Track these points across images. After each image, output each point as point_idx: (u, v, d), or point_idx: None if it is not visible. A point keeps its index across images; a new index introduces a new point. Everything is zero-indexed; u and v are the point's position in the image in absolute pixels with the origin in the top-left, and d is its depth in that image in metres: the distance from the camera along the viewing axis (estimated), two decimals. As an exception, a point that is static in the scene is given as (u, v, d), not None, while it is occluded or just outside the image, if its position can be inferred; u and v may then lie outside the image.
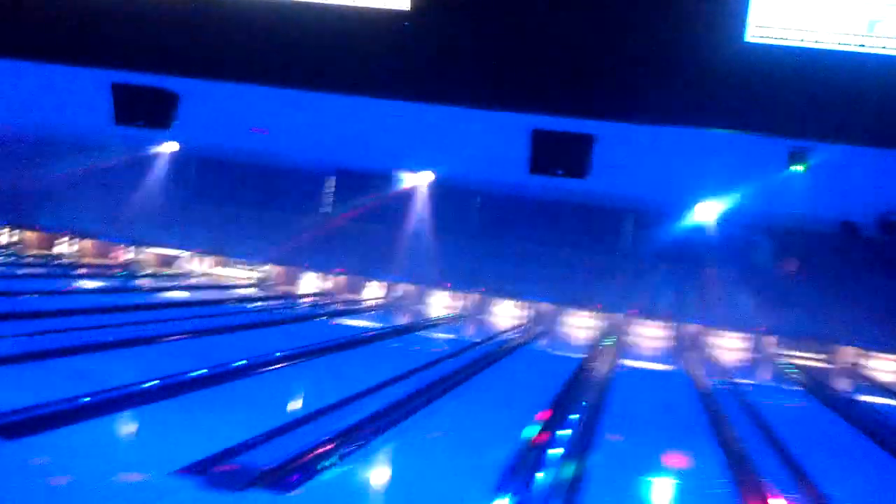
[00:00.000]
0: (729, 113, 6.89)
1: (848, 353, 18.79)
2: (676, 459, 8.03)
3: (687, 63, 6.71)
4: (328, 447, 6.60)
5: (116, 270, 20.08)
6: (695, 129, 7.61)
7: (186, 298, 16.73)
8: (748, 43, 6.16)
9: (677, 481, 7.20)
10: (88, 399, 7.02)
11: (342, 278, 21.08)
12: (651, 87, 7.00)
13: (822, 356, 18.98)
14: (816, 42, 6.11)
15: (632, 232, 20.04)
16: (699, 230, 18.99)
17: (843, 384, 16.02)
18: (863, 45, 5.86)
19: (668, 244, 19.26)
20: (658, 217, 19.23)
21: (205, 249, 21.33)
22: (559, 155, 9.57)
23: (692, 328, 19.51)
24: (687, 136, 8.21)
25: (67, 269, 18.85)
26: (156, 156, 20.92)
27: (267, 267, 21.23)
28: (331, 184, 20.97)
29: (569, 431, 8.18)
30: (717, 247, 19.01)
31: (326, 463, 6.22)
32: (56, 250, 21.66)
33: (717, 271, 19.14)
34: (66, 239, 21.83)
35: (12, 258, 19.01)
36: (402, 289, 20.93)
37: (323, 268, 20.95)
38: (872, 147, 7.01)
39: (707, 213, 18.57)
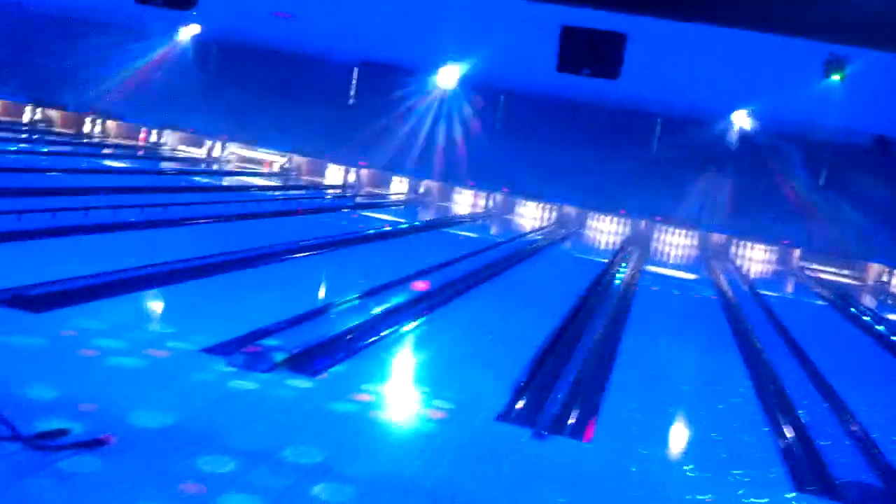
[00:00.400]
0: (766, 14, 6.56)
1: (874, 270, 18.67)
2: (698, 365, 8.03)
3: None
4: (352, 335, 6.62)
5: (141, 152, 20.03)
6: (730, 29, 7.29)
7: (212, 183, 16.70)
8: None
9: (698, 389, 7.21)
10: (117, 275, 7.05)
11: (366, 172, 20.97)
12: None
13: (849, 272, 18.87)
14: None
15: (660, 137, 19.70)
16: (729, 138, 18.64)
17: (868, 301, 15.94)
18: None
19: (697, 151, 18.95)
20: (687, 123, 18.86)
21: (228, 135, 21.19)
22: (589, 53, 9.23)
23: (718, 237, 19.38)
24: (722, 37, 7.90)
25: (95, 149, 18.83)
26: (179, 39, 20.58)
27: (292, 156, 21.13)
28: (356, 75, 20.63)
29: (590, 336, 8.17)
30: (747, 156, 18.69)
31: (351, 350, 6.25)
32: (82, 130, 21.62)
33: (746, 181, 18.88)
34: (91, 119, 21.74)
35: (37, 136, 18.96)
36: (425, 185, 20.82)
37: (347, 161, 20.81)
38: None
39: (738, 120, 18.18)
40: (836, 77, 7.59)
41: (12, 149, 16.04)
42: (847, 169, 18.31)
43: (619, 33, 9.11)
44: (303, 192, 18.12)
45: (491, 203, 20.65)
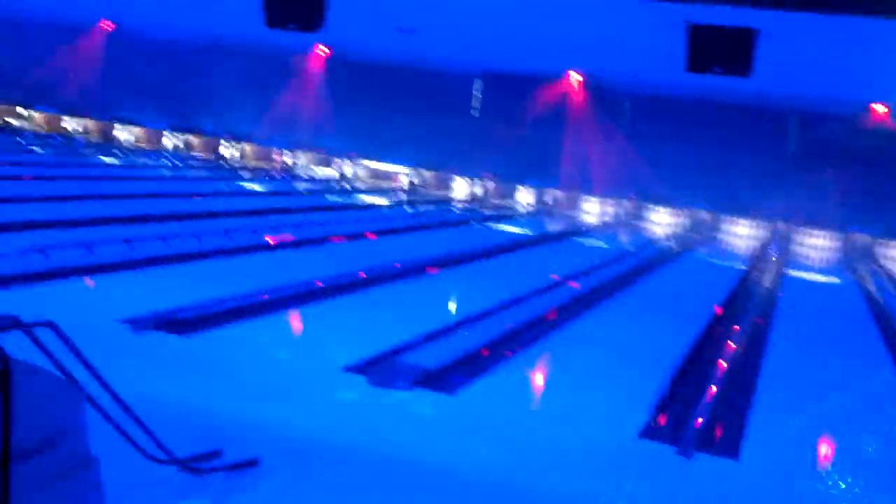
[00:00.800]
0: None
1: None
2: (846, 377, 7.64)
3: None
4: (489, 350, 6.62)
5: (277, 174, 20.73)
6: (871, 18, 6.91)
7: (344, 202, 17.09)
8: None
9: (848, 403, 6.85)
10: (264, 297, 7.29)
11: (492, 184, 21.01)
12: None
13: None
14: None
15: (797, 135, 18.92)
16: (872, 133, 17.71)
17: None
18: None
19: (837, 148, 18.09)
20: (826, 118, 18.05)
21: (357, 152, 21.68)
22: (718, 51, 8.97)
23: (861, 238, 18.43)
24: (860, 27, 7.50)
25: (232, 172, 19.61)
26: (309, 60, 21.21)
27: (419, 170, 21.42)
28: (478, 86, 20.73)
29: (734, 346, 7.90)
30: (890, 150, 17.71)
31: (487, 366, 6.24)
32: (219, 153, 22.57)
33: (889, 177, 17.88)
34: (228, 143, 22.67)
35: (180, 161, 19.91)
36: (552, 195, 20.68)
37: (473, 173, 20.91)
38: None
39: (881, 113, 17.25)
40: None
41: (157, 175, 16.91)
42: None
43: (750, 29, 8.82)
44: (431, 206, 18.31)
45: (621, 210, 20.30)
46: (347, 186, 20.17)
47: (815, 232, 18.71)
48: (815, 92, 15.70)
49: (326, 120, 21.45)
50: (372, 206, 16.98)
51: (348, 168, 21.94)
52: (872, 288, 13.15)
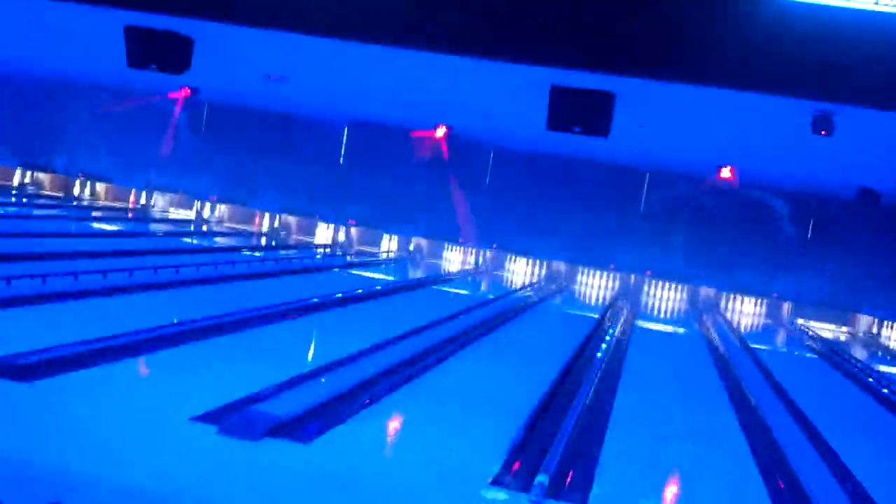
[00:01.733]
0: (753, 73, 6.68)
1: (864, 322, 18.71)
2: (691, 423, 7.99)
3: (712, 20, 6.50)
4: (345, 400, 6.56)
5: (131, 214, 20.05)
6: (718, 88, 7.39)
7: (200, 245, 16.70)
8: (780, 2, 5.96)
9: (693, 446, 7.16)
10: (106, 342, 6.99)
11: (356, 231, 21.01)
12: (674, 44, 6.80)
13: (839, 324, 18.89)
14: (846, 1, 5.90)
15: (648, 192, 19.84)
16: (717, 192, 18.79)
17: (859, 353, 15.93)
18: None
19: (685, 206, 19.08)
20: (676, 178, 19.02)
21: (218, 195, 21.25)
22: (578, 112, 9.34)
23: (707, 291, 19.42)
24: (708, 96, 8.00)
25: (84, 212, 18.83)
26: (170, 101, 20.75)
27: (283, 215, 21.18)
28: (346, 135, 20.79)
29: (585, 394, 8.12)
30: (735, 210, 18.81)
31: (343, 415, 6.19)
32: (72, 192, 21.64)
33: (735, 235, 18.97)
34: (80, 181, 21.79)
35: (26, 200, 18.98)
36: (415, 243, 20.87)
37: (337, 219, 20.86)
38: None
39: (725, 174, 18.35)
40: (823, 133, 7.70)
41: (2, 213, 16.06)
42: (834, 221, 18.44)
43: (608, 92, 9.21)
44: (293, 251, 18.12)
45: (481, 260, 20.69)
46: (206, 229, 19.72)
47: (665, 284, 19.59)
48: (667, 153, 16.50)
49: (187, 161, 20.95)
50: (231, 250, 16.65)
51: (207, 211, 21.47)
52: (716, 338, 13.84)
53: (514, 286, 18.31)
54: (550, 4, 6.80)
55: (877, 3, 5.95)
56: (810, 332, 17.43)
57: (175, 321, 8.35)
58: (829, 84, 6.53)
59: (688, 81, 7.24)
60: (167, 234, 17.62)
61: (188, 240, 17.11)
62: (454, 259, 20.77)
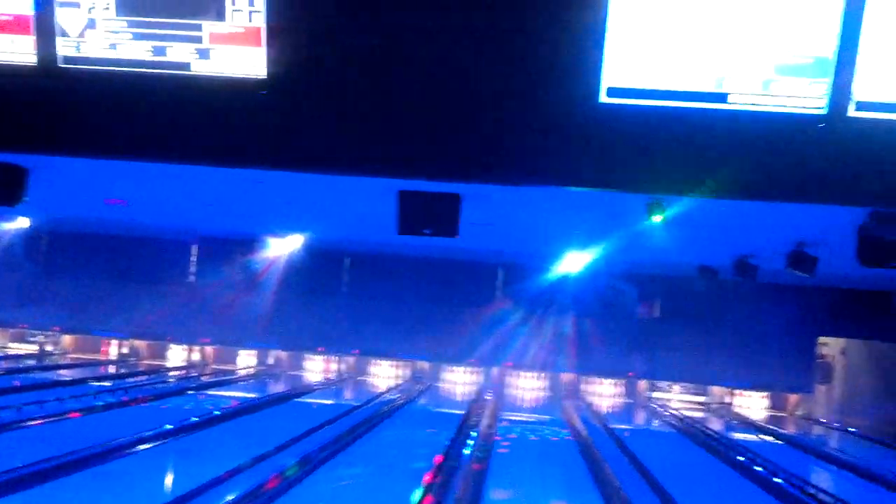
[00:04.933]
0: (586, 172, 7.09)
1: (717, 392, 19.58)
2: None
3: (543, 125, 6.89)
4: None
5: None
6: (553, 188, 7.78)
7: (45, 378, 15.80)
8: (603, 104, 6.38)
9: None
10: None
11: (211, 349, 20.44)
12: (510, 149, 7.14)
13: (692, 396, 19.67)
14: (668, 101, 6.37)
15: (503, 285, 20.29)
16: (567, 281, 19.41)
17: (714, 423, 16.59)
18: (712, 101, 6.17)
19: (539, 296, 19.60)
20: (527, 270, 19.54)
21: (63, 327, 20.25)
22: (427, 215, 9.55)
23: (567, 377, 19.87)
24: (549, 193, 8.39)
25: None
26: (5, 233, 19.83)
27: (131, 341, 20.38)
28: (195, 252, 20.37)
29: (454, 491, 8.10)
30: (586, 296, 19.47)
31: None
32: None
33: (587, 320, 19.58)
34: None
35: None
36: (274, 356, 20.46)
37: (190, 339, 20.24)
38: (724, 198, 7.34)
39: (573, 263, 19.04)
40: (657, 218, 8.16)
41: None
42: (679, 298, 19.31)
43: (453, 194, 9.45)
44: (144, 377, 17.40)
45: (344, 366, 20.47)
46: (48, 362, 18.72)
47: (525, 374, 19.93)
48: (517, 247, 16.96)
49: (27, 294, 19.94)
50: (77, 382, 15.81)
51: (49, 344, 20.40)
52: (578, 423, 14.13)
53: (378, 390, 18.17)
54: (387, 119, 7.01)
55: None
56: (666, 408, 18.05)
57: (17, 465, 7.82)
58: (657, 178, 6.97)
59: (525, 183, 7.57)
60: (6, 371, 16.60)
61: (30, 375, 16.16)
62: (316, 368, 20.47)
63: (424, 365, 20.19)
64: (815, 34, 5.81)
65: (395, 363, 20.36)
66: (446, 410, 15.82)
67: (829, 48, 5.84)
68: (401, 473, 9.20)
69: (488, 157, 7.27)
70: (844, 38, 5.81)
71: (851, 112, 5.94)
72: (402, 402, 15.92)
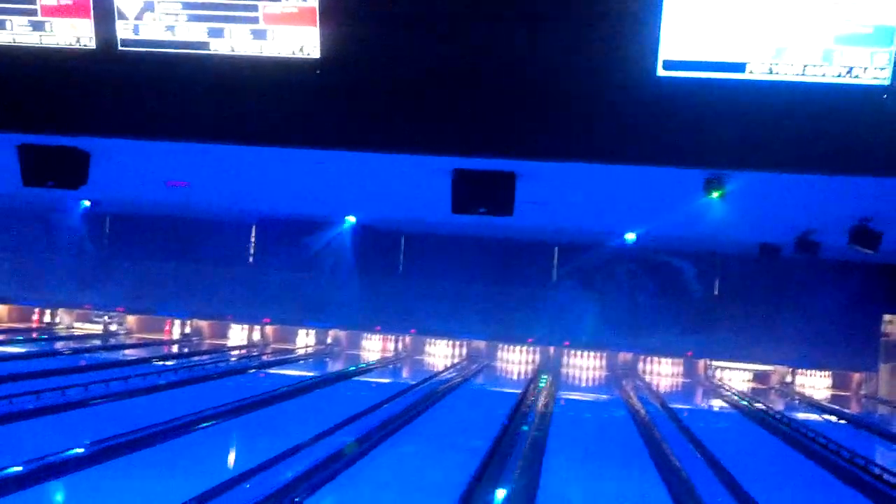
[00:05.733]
0: (642, 148, 6.99)
1: (778, 373, 19.28)
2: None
3: (600, 101, 6.80)
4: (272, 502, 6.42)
5: (35, 334, 19.39)
6: (609, 165, 7.70)
7: (109, 359, 16.22)
8: (660, 77, 6.27)
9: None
10: (17, 470, 6.71)
11: (271, 329, 20.74)
12: (566, 126, 7.07)
13: (753, 377, 19.40)
14: (722, 72, 6.25)
15: (558, 264, 20.19)
16: (623, 260, 19.25)
17: (774, 403, 16.35)
18: (770, 72, 6.02)
19: (595, 275, 19.46)
20: (583, 249, 19.40)
21: (125, 307, 20.72)
22: (481, 193, 9.53)
23: (625, 356, 19.74)
24: (605, 170, 8.31)
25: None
26: (69, 215, 20.31)
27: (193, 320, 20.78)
28: (254, 233, 20.65)
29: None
30: (644, 274, 19.28)
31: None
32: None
33: (644, 298, 19.39)
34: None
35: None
36: (332, 335, 20.69)
37: (251, 319, 20.56)
38: (785, 172, 7.19)
39: (631, 241, 18.85)
40: (716, 194, 8.06)
41: None
42: (738, 277, 19.03)
43: (508, 173, 9.42)
44: (206, 356, 17.74)
45: (401, 346, 20.61)
46: (114, 342, 19.19)
47: (583, 353, 19.83)
48: (572, 225, 16.85)
49: (90, 275, 20.43)
50: (142, 361, 16.20)
51: (114, 324, 20.90)
52: (636, 402, 14.03)
53: (435, 369, 18.26)
54: (442, 97, 6.99)
55: (751, 73, 6.29)
56: (726, 387, 17.82)
57: (88, 441, 8.06)
58: (716, 152, 6.85)
59: (581, 160, 7.50)
60: (74, 351, 17.07)
61: (96, 354, 16.60)
62: (373, 348, 20.64)
63: (480, 344, 20.22)
64: (875, 2, 5.64)
65: (451, 343, 20.42)
66: (503, 390, 15.84)
67: (891, 16, 5.66)
68: (459, 451, 9.25)
69: (543, 133, 7.22)
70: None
71: (918, 82, 5.76)
72: (458, 381, 15.97)
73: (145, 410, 10.56)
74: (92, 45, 6.35)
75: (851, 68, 5.79)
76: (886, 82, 5.80)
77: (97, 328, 20.78)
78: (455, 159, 8.46)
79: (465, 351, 20.35)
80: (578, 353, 19.95)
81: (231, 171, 11.19)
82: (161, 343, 19.61)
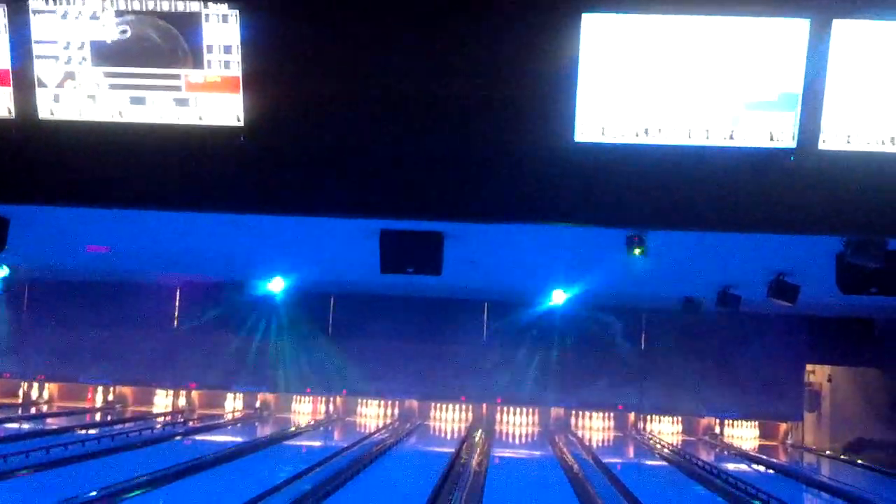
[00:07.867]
0: (564, 208, 7.14)
1: (704, 423, 19.57)
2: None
3: (521, 164, 6.96)
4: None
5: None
6: (533, 224, 7.85)
7: (29, 429, 15.64)
8: (578, 143, 6.45)
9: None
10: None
11: (197, 394, 20.27)
12: (490, 187, 7.19)
13: (681, 428, 19.65)
14: (638, 137, 6.46)
15: (489, 321, 20.26)
16: (553, 316, 19.40)
17: (704, 454, 16.56)
18: (686, 137, 6.26)
19: (525, 331, 19.57)
20: (512, 306, 19.54)
21: (45, 374, 20.03)
22: (410, 253, 9.58)
23: (557, 411, 19.81)
24: (531, 230, 8.45)
25: None
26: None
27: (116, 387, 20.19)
28: (178, 297, 20.27)
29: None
30: (573, 330, 19.45)
31: None
32: None
33: (574, 354, 19.54)
34: None
35: None
36: (261, 399, 20.32)
37: (176, 384, 20.07)
38: (702, 231, 7.41)
39: (558, 298, 19.04)
40: (638, 251, 8.21)
41: None
42: (664, 331, 19.33)
43: (436, 233, 9.48)
44: (130, 424, 17.24)
45: (332, 407, 20.34)
46: (34, 410, 18.52)
47: (515, 410, 19.85)
48: (501, 283, 16.98)
49: (9, 342, 19.76)
50: (63, 431, 15.65)
51: (35, 392, 20.18)
52: (569, 458, 14.07)
53: (367, 431, 18.05)
54: (366, 163, 7.05)
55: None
56: (657, 440, 18.01)
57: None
58: (635, 212, 7.03)
59: (506, 221, 7.62)
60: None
61: (15, 425, 15.99)
62: (304, 410, 20.33)
63: (413, 404, 20.08)
64: (780, 71, 5.92)
65: (383, 403, 20.23)
66: (436, 449, 15.73)
67: (795, 84, 5.94)
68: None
69: (469, 195, 7.32)
70: (809, 74, 5.92)
71: (822, 145, 6.03)
72: (391, 442, 15.81)
73: (67, 481, 10.20)
74: (10, 114, 6.26)
75: (761, 133, 6.04)
76: (793, 145, 6.06)
77: (15, 399, 20.03)
78: (381, 221, 8.52)
79: (397, 411, 20.19)
80: (511, 409, 19.95)
81: (154, 236, 11.04)
82: (83, 411, 18.99)
